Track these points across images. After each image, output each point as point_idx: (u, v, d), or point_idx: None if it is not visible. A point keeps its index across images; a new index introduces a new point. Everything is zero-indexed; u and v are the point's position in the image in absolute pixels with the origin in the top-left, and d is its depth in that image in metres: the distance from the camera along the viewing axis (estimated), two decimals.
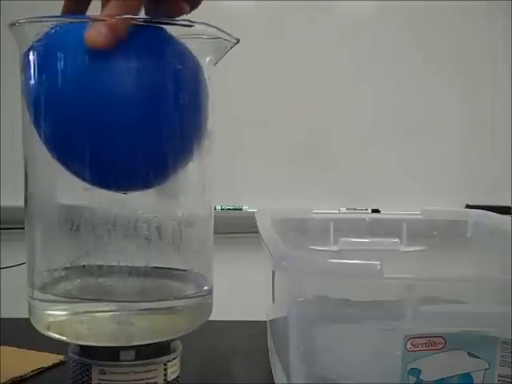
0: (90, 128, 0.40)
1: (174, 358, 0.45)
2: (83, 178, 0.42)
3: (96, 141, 0.41)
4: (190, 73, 0.43)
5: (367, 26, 1.60)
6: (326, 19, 1.59)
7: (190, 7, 0.45)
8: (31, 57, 0.42)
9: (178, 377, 0.46)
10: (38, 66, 0.41)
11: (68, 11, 0.44)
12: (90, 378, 0.43)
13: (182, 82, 0.43)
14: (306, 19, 1.58)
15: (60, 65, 0.40)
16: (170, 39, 0.42)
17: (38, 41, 0.41)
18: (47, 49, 0.41)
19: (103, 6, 0.45)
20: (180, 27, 0.42)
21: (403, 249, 0.68)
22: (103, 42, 0.39)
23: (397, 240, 0.68)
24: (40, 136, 0.42)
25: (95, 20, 0.40)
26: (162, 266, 0.47)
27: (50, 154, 0.42)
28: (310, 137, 1.59)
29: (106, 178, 0.42)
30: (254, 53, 1.46)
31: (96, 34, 0.39)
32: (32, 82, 0.41)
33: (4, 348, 0.64)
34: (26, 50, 0.42)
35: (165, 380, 0.44)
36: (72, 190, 0.44)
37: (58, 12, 0.44)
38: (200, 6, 0.47)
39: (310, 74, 1.57)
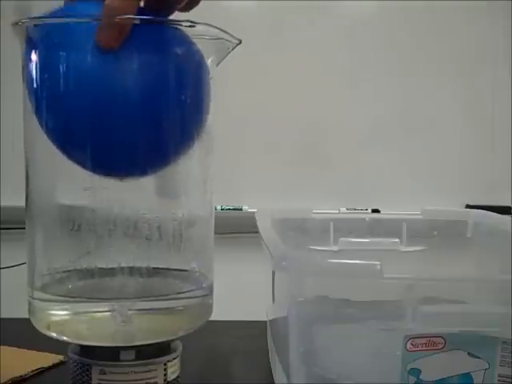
0: (91, 115, 0.41)
1: (174, 358, 0.45)
2: (84, 165, 0.42)
3: (97, 126, 0.41)
4: (189, 58, 0.44)
5: (368, 26, 1.60)
6: (327, 19, 1.59)
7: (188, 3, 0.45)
8: (34, 51, 0.42)
9: (178, 377, 0.46)
10: (41, 59, 0.42)
11: None
12: (90, 378, 0.43)
13: (182, 68, 0.43)
14: (307, 19, 1.57)
15: (63, 59, 0.41)
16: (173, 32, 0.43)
17: (42, 35, 0.42)
18: (51, 42, 0.41)
19: None
20: (182, 27, 0.42)
21: (403, 249, 0.68)
22: (115, 45, 0.40)
23: (397, 240, 0.68)
24: (42, 127, 0.42)
25: (99, 19, 0.40)
26: (163, 266, 0.47)
27: (51, 152, 0.42)
28: (310, 137, 1.59)
29: (107, 162, 0.43)
30: (255, 53, 1.46)
31: (108, 37, 0.40)
32: (34, 75, 0.42)
33: (4, 348, 0.64)
34: (28, 45, 0.42)
35: (165, 380, 0.44)
36: (73, 190, 0.44)
37: None
38: (201, 6, 0.47)
39: (311, 74, 1.57)
